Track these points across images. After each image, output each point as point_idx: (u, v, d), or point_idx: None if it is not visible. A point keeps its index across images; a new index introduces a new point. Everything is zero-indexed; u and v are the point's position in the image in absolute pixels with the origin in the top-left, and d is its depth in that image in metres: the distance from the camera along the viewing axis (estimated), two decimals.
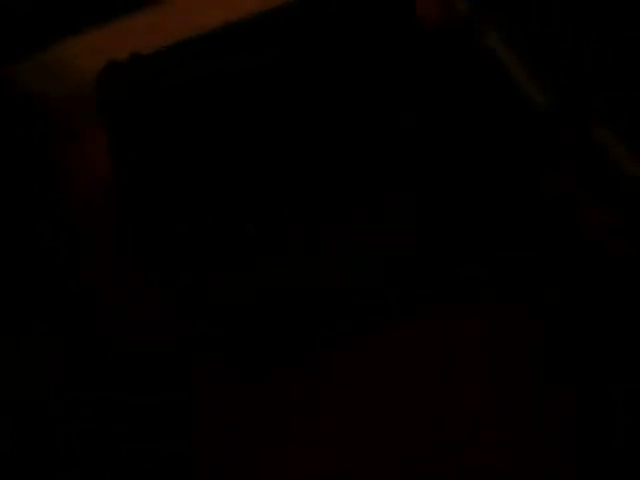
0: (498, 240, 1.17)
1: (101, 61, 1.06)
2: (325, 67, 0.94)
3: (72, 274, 1.50)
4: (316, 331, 1.30)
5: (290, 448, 1.26)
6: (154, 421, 1.31)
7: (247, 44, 0.98)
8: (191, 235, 0.87)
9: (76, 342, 1.35)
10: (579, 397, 1.18)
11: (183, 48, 0.98)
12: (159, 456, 1.29)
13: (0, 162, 1.49)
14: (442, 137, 0.94)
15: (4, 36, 1.44)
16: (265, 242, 0.91)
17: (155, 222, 0.86)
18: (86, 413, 1.23)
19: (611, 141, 0.92)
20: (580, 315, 1.12)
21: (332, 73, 0.94)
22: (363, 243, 1.03)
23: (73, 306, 1.43)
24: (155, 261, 0.90)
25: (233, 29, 0.99)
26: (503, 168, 0.97)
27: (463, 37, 1.02)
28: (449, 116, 0.93)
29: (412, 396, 1.27)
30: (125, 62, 0.98)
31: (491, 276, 1.24)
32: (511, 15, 1.01)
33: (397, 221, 1.01)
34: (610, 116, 0.95)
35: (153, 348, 1.37)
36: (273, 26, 0.99)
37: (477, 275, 1.21)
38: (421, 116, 0.92)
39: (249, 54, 0.97)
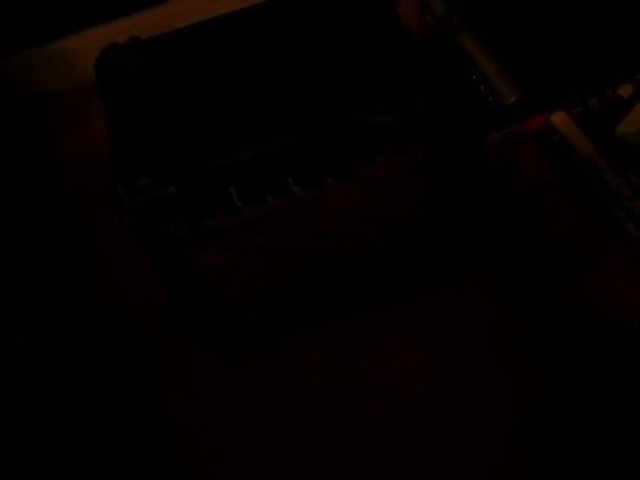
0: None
1: None
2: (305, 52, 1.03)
3: (54, 260, 1.53)
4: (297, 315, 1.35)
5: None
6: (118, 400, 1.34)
7: (237, 32, 1.07)
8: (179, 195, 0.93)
9: (44, 328, 1.38)
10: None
11: (179, 34, 1.06)
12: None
13: None
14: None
15: (7, 27, 1.46)
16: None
17: (147, 183, 0.93)
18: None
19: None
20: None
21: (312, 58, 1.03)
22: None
23: (50, 292, 1.46)
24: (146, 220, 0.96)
25: (226, 18, 1.07)
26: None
27: (438, 35, 1.11)
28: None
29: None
30: (124, 44, 1.05)
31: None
32: (482, 17, 1.10)
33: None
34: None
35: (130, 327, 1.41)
36: (264, 17, 1.08)
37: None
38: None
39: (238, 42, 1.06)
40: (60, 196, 1.59)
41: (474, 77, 1.07)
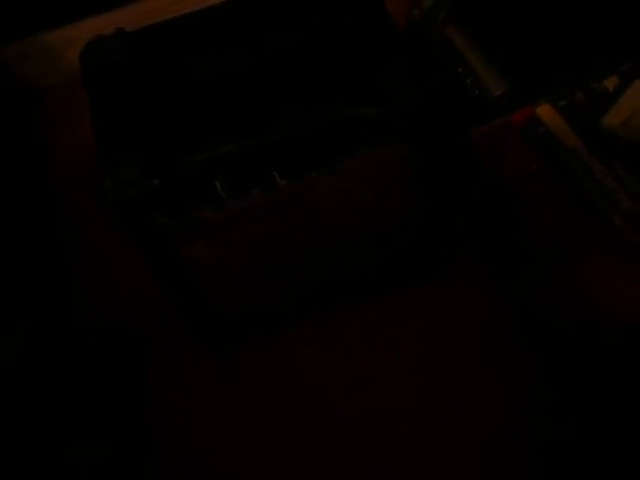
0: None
1: None
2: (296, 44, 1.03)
3: (48, 256, 1.53)
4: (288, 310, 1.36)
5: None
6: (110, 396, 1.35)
7: (224, 25, 1.07)
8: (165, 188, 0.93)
9: (42, 326, 1.38)
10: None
11: (166, 26, 1.06)
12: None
13: None
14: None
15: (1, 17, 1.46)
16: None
17: (133, 176, 0.93)
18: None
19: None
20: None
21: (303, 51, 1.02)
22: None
23: (45, 288, 1.46)
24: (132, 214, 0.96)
25: (213, 11, 1.07)
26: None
27: (425, 28, 1.11)
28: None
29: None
30: (110, 36, 1.04)
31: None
32: (469, 10, 1.10)
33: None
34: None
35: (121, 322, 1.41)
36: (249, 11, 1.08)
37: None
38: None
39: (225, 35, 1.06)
40: (54, 193, 1.59)
41: (460, 70, 1.07)
